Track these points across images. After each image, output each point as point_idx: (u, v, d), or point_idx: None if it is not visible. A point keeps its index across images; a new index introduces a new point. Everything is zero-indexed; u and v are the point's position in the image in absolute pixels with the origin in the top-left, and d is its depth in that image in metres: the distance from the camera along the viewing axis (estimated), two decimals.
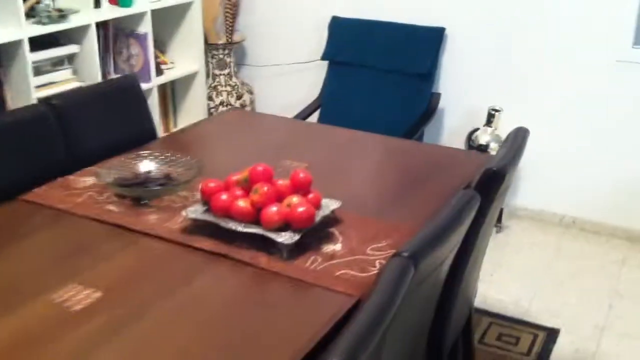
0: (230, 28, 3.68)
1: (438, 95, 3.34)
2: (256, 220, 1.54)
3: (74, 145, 2.12)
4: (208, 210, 1.61)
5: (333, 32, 3.48)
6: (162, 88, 3.43)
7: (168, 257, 1.52)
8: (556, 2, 3.02)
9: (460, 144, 3.30)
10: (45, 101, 2.10)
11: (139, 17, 3.02)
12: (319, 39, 3.57)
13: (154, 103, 3.18)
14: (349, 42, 3.44)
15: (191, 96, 3.53)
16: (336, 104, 3.49)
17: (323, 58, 3.49)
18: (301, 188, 1.61)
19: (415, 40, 3.28)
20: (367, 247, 1.54)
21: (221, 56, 3.72)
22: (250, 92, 3.87)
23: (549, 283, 2.83)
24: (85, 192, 1.82)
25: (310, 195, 1.61)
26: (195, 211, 1.61)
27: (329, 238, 1.58)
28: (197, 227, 1.61)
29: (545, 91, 3.16)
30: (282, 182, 1.61)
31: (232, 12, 3.67)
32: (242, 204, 1.55)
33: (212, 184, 1.63)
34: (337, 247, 1.54)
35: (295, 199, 1.56)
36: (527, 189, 3.34)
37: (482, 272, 2.09)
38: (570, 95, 3.12)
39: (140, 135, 2.27)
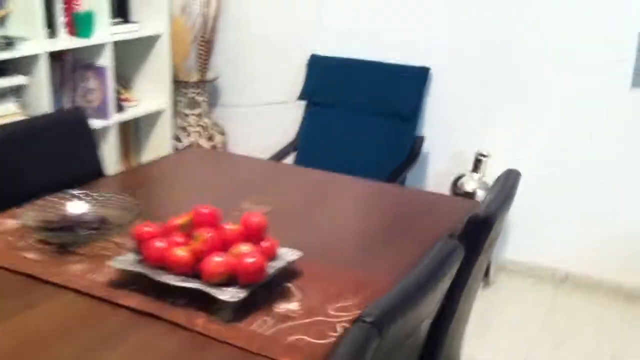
0: (203, 66, 3.49)
1: (422, 138, 3.13)
2: (196, 273, 1.29)
3: (2, 183, 1.87)
4: (141, 260, 1.36)
5: (311, 71, 3.29)
6: (124, 126, 3.21)
7: (89, 316, 1.26)
8: (547, 41, 2.85)
9: (445, 190, 3.08)
10: None
11: (99, 48, 2.81)
12: (298, 78, 3.38)
13: (112, 141, 2.94)
14: (328, 81, 3.26)
15: (156, 136, 3.31)
16: (313, 146, 3.28)
17: (300, 98, 3.30)
18: (253, 234, 1.37)
19: (398, 80, 3.10)
20: (330, 306, 1.29)
21: (192, 95, 3.51)
22: (222, 133, 3.65)
23: (542, 344, 2.57)
24: (1, 236, 1.56)
25: (265, 244, 1.37)
26: (124, 261, 1.35)
27: (284, 295, 1.33)
28: (128, 280, 1.36)
29: (537, 135, 2.96)
30: (231, 228, 1.36)
31: (205, 49, 3.48)
32: (180, 252, 1.30)
33: (147, 229, 1.39)
34: (293, 305, 1.29)
35: (244, 248, 1.32)
36: (517, 240, 3.10)
37: (467, 332, 1.84)
38: (563, 141, 2.92)
39: (84, 174, 2.03)
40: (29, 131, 1.99)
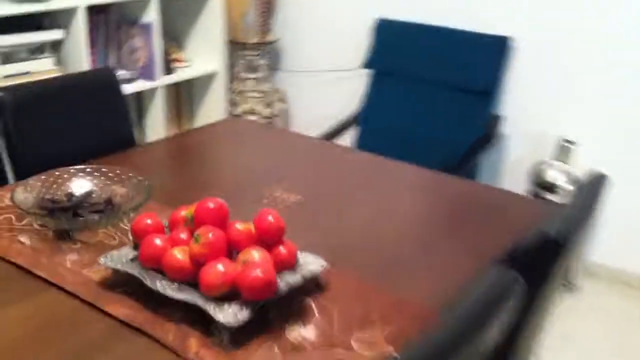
0: (263, 26, 3.27)
1: (499, 118, 2.82)
2: (195, 280, 1.09)
3: (19, 150, 1.73)
4: (136, 258, 1.17)
5: (378, 37, 3.01)
6: (175, 89, 3.04)
7: (70, 320, 1.08)
8: None
9: (522, 177, 2.77)
10: None
11: (144, 3, 2.63)
12: (364, 44, 3.11)
13: (159, 105, 2.78)
14: (395, 48, 2.97)
15: (209, 100, 3.13)
16: (376, 119, 3.02)
17: (365, 66, 3.03)
18: (268, 237, 1.15)
19: (475, 50, 2.78)
20: (353, 335, 1.06)
21: (250, 58, 3.31)
22: (282, 100, 3.45)
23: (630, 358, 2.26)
24: (5, 211, 1.41)
25: (282, 249, 1.15)
26: (119, 257, 1.17)
27: (300, 315, 1.11)
28: (121, 280, 1.17)
29: (634, 124, 2.59)
30: (241, 227, 1.15)
31: (265, 8, 3.25)
32: (178, 255, 1.10)
33: (147, 221, 1.20)
34: (309, 332, 1.07)
35: (255, 255, 1.10)
36: (607, 242, 2.76)
37: (546, 344, 1.57)
38: None
39: (113, 141, 1.87)
40: (56, 91, 1.84)
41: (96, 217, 1.35)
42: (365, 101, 3.05)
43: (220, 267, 1.06)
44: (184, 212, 1.21)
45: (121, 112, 1.94)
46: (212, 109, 3.12)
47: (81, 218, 1.33)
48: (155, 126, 2.81)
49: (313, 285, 1.18)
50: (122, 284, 1.16)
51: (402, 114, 2.96)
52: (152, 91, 2.76)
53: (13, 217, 1.40)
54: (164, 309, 1.10)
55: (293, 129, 3.50)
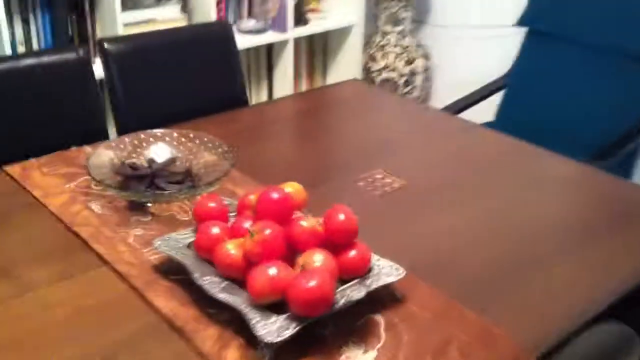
0: None
1: None
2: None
3: (122, 104, 1.70)
4: (191, 245, 1.07)
5: None
6: (310, 41, 2.92)
7: (110, 310, 1.00)
8: None
9: None
10: (99, 43, 1.69)
11: None
12: None
13: (289, 59, 2.67)
14: (557, 5, 2.61)
15: (344, 56, 2.97)
16: (528, 86, 2.70)
17: (519, 23, 2.70)
18: (336, 239, 1.00)
19: None
20: None
21: (394, 9, 3.09)
22: (426, 57, 3.21)
23: None
24: (83, 174, 1.37)
25: (352, 253, 0.99)
26: (175, 242, 1.07)
27: (363, 334, 0.95)
28: (176, 267, 1.08)
29: None
30: (307, 225, 1.00)
31: None
32: (231, 250, 0.98)
33: (211, 204, 1.08)
34: (369, 357, 0.91)
35: (317, 258, 0.95)
36: None
37: None
38: None
39: (220, 101, 1.79)
40: (167, 44, 1.79)
41: (174, 188, 1.26)
42: (516, 65, 2.73)
43: (272, 270, 0.92)
44: (252, 197, 1.08)
45: (233, 70, 1.85)
46: (346, 65, 2.96)
47: (156, 191, 1.25)
48: (284, 82, 2.71)
49: (386, 298, 1.02)
50: (176, 271, 1.07)
51: (557, 84, 2.62)
52: (283, 44, 2.65)
53: (88, 178, 1.36)
54: (213, 308, 0.99)
55: (433, 90, 3.26)
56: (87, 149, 1.49)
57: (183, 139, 1.40)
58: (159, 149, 1.36)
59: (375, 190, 1.35)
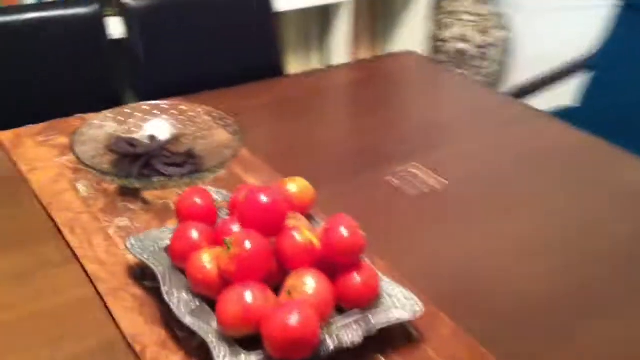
0: None
1: None
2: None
3: (143, 68, 1.55)
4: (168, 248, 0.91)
5: None
6: (369, 4, 2.68)
7: (64, 320, 0.86)
8: None
9: None
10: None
11: None
12: None
13: (345, 23, 2.46)
14: None
15: (409, 21, 2.72)
16: (617, 69, 2.40)
17: None
18: (335, 258, 0.81)
19: None
20: None
21: None
22: (503, 28, 2.92)
23: None
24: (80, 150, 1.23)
25: (355, 278, 0.80)
26: (153, 241, 0.91)
27: None
28: (151, 272, 0.92)
29: None
30: (301, 238, 0.81)
31: None
32: (206, 262, 0.81)
33: (196, 199, 0.92)
34: None
35: (308, 283, 0.77)
36: None
37: None
38: None
39: (251, 69, 1.61)
40: (196, 5, 1.62)
41: (175, 172, 1.10)
42: (606, 43, 2.43)
43: (248, 296, 0.75)
44: (244, 195, 0.91)
45: (269, 35, 1.67)
46: (411, 32, 2.72)
47: (144, 177, 1.09)
48: (339, 48, 2.50)
49: (396, 335, 0.83)
50: (153, 276, 0.91)
51: None
52: (338, 6, 2.44)
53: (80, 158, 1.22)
54: (184, 331, 0.82)
55: (509, 66, 2.98)
56: (91, 117, 1.35)
57: (191, 113, 1.23)
58: (162, 124, 1.20)
59: (409, 190, 1.15)
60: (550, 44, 2.80)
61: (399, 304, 0.82)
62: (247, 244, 0.77)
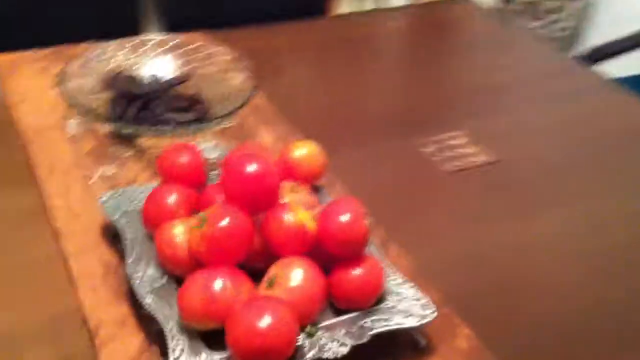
0: None
1: None
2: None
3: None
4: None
5: None
6: None
7: (23, 278, 0.76)
8: None
9: None
10: None
11: None
12: None
13: None
14: None
15: None
16: None
17: None
18: (333, 246, 0.68)
19: None
20: None
21: None
22: None
23: None
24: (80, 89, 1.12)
25: (353, 272, 0.67)
26: (128, 200, 0.80)
27: None
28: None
29: None
30: (294, 219, 0.68)
31: None
32: (177, 234, 0.69)
33: (182, 157, 0.79)
34: None
35: (295, 274, 0.65)
36: None
37: None
38: None
39: (285, 6, 1.46)
40: None
41: (177, 118, 0.98)
42: None
43: (216, 285, 0.63)
44: (227, 160, 0.78)
45: None
46: None
47: (145, 122, 0.97)
48: None
49: (401, 342, 0.70)
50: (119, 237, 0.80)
51: None
52: None
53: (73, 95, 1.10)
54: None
55: (589, 24, 2.73)
56: (103, 46, 1.23)
57: (207, 51, 1.10)
58: (169, 61, 1.07)
59: (444, 164, 1.00)
60: (632, 3, 2.54)
61: (405, 305, 0.68)
62: (222, 222, 0.65)
